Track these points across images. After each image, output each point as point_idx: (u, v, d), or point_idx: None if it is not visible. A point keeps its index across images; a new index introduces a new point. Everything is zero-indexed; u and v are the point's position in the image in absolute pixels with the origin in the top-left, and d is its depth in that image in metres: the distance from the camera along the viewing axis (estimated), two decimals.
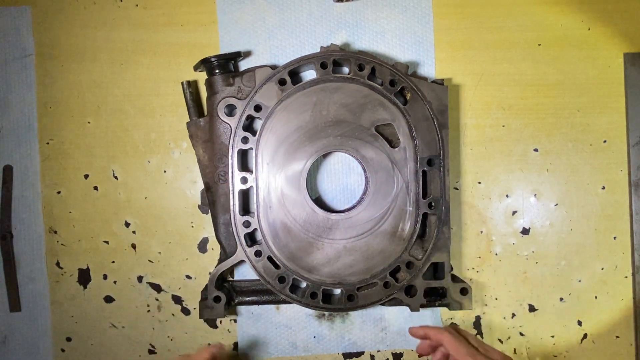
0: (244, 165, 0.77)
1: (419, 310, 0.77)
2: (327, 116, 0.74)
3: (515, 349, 0.84)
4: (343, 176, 0.83)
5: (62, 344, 0.84)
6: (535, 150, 0.84)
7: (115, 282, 0.84)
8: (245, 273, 0.83)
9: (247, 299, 0.79)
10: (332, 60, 0.74)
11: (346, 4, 0.82)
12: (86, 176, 0.83)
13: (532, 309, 0.84)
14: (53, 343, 0.84)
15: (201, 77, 0.81)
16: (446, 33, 0.83)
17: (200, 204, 0.83)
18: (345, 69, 0.78)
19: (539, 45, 0.83)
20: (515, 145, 0.84)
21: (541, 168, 0.84)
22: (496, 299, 0.84)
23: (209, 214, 0.79)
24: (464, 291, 0.76)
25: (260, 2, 0.82)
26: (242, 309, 0.84)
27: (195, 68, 0.79)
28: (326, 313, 0.83)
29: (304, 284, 0.77)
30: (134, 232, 0.83)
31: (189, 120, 0.79)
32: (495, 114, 0.84)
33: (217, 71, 0.76)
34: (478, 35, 0.83)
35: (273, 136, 0.74)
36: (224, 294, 0.75)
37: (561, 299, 0.84)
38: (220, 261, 0.77)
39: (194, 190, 0.83)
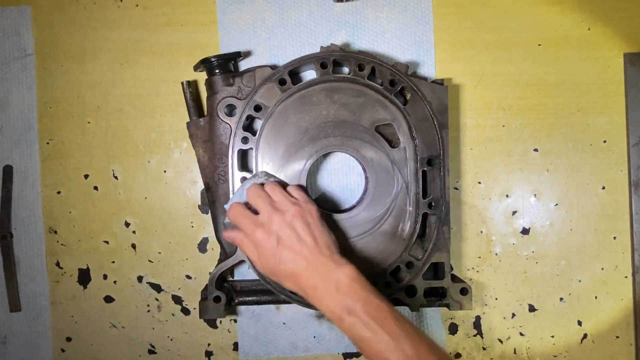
0: (244, 165, 0.77)
1: (419, 310, 0.77)
2: (327, 116, 0.74)
3: (515, 349, 0.85)
4: (343, 176, 0.82)
5: (62, 344, 0.84)
6: (535, 150, 0.84)
7: (115, 282, 0.84)
8: (245, 273, 0.83)
9: (247, 299, 0.79)
10: (332, 60, 0.74)
11: (346, 4, 0.82)
12: (86, 176, 0.83)
13: (532, 309, 0.84)
14: (53, 343, 0.84)
15: (201, 77, 0.81)
16: (446, 33, 0.83)
17: (200, 204, 0.83)
18: (345, 69, 0.78)
19: (539, 45, 0.83)
20: (515, 145, 0.84)
21: (541, 168, 0.84)
22: (496, 299, 0.84)
23: (209, 214, 0.79)
24: (464, 291, 0.76)
25: (260, 2, 0.82)
26: (242, 309, 0.84)
27: (195, 68, 0.79)
28: None
29: None
30: (134, 232, 0.83)
31: (189, 120, 0.79)
32: (495, 114, 0.84)
33: (217, 71, 0.76)
34: (478, 35, 0.83)
35: (273, 136, 0.74)
36: (224, 294, 0.75)
37: (561, 299, 0.84)
38: (220, 261, 0.77)
39: (194, 190, 0.83)
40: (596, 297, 0.84)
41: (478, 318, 0.84)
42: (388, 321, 0.56)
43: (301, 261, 0.61)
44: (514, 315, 0.84)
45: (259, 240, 0.63)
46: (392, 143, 0.75)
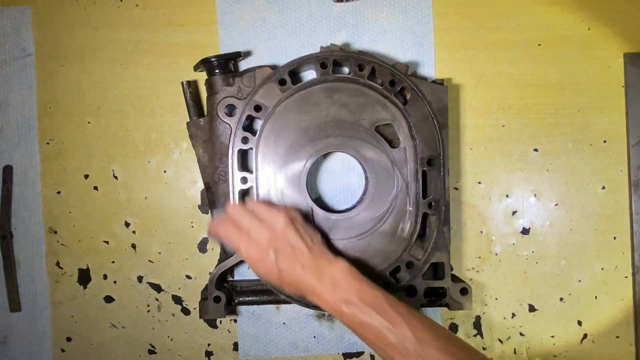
0: (244, 165, 0.77)
1: (418, 310, 0.77)
2: (327, 116, 0.74)
3: (515, 349, 0.85)
4: (343, 176, 0.82)
5: (62, 344, 0.84)
6: (535, 150, 0.84)
7: (115, 282, 0.84)
8: (245, 273, 0.83)
9: (247, 299, 0.79)
10: (332, 60, 0.74)
11: (346, 4, 0.82)
12: (86, 176, 0.83)
13: (532, 309, 0.84)
14: (53, 343, 0.84)
15: (201, 77, 0.81)
16: (446, 33, 0.83)
17: (200, 204, 0.83)
18: (345, 69, 0.78)
19: (539, 45, 0.83)
20: (515, 145, 0.84)
21: (541, 168, 0.84)
22: (496, 299, 0.84)
23: (209, 214, 0.79)
24: (464, 291, 0.76)
25: (260, 2, 0.82)
26: (242, 309, 0.84)
27: (195, 68, 0.79)
28: (326, 313, 0.83)
29: None
30: (134, 232, 0.83)
31: (189, 120, 0.79)
32: (495, 114, 0.84)
33: (217, 71, 0.76)
34: (478, 35, 0.83)
35: (273, 136, 0.74)
36: (224, 294, 0.75)
37: (561, 299, 0.84)
38: (220, 261, 0.77)
39: (194, 190, 0.83)
40: (596, 297, 0.84)
41: (478, 318, 0.84)
42: (384, 306, 0.59)
43: (299, 268, 0.63)
44: (514, 315, 0.84)
45: (255, 257, 0.64)
46: (392, 143, 0.75)
